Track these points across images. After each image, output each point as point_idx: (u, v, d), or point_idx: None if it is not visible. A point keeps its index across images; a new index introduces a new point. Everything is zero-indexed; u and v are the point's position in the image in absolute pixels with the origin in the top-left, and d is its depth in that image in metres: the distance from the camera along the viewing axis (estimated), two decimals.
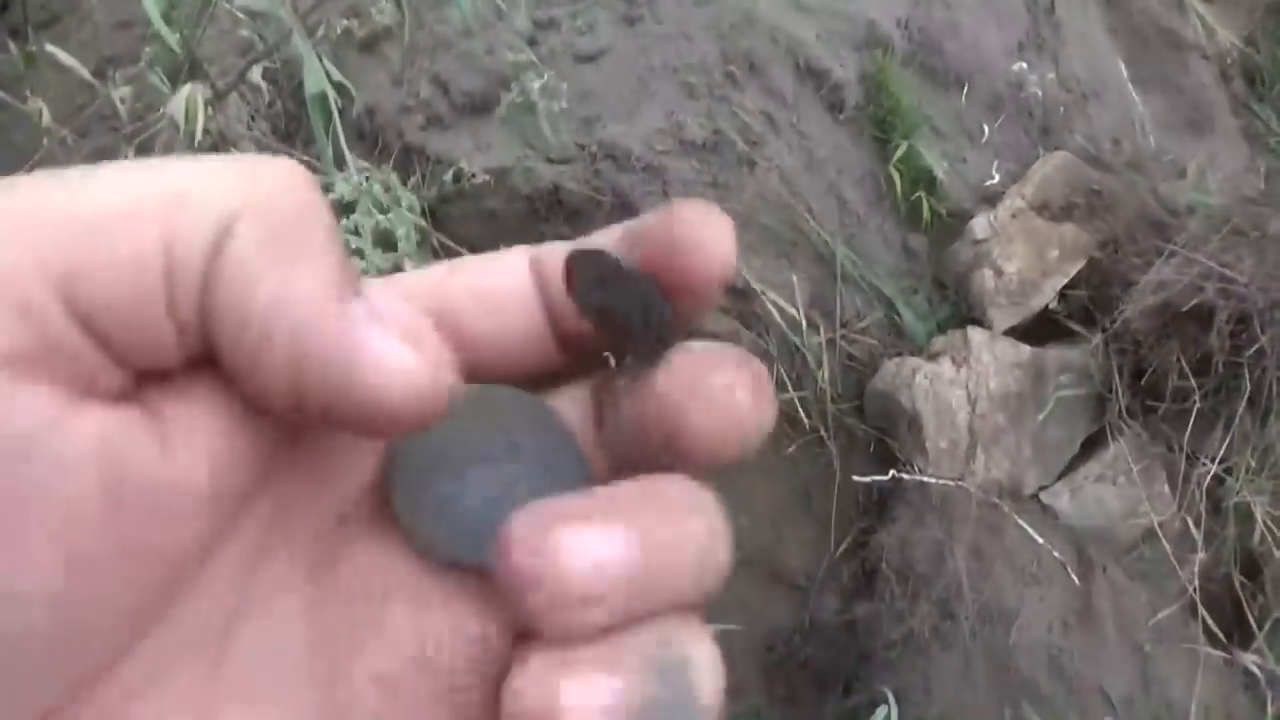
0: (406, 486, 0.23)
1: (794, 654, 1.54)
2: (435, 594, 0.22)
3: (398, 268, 1.03)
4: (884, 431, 1.55)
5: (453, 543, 0.22)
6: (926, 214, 1.62)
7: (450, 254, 1.50)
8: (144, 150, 1.52)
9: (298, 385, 0.20)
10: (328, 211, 0.21)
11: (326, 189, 1.04)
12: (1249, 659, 1.43)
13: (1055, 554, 1.45)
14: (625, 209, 1.52)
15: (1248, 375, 1.43)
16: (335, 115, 1.10)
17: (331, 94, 1.11)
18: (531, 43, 1.59)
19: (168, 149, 1.46)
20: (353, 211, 1.02)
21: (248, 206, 0.20)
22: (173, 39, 1.05)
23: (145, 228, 0.19)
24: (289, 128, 1.62)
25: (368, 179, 1.03)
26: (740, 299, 1.56)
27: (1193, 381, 1.45)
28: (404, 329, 0.20)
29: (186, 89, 1.25)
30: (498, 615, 0.22)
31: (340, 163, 1.20)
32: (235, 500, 0.21)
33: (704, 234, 0.24)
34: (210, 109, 1.35)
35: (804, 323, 1.55)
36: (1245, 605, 1.47)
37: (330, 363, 0.19)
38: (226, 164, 0.20)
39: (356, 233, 0.99)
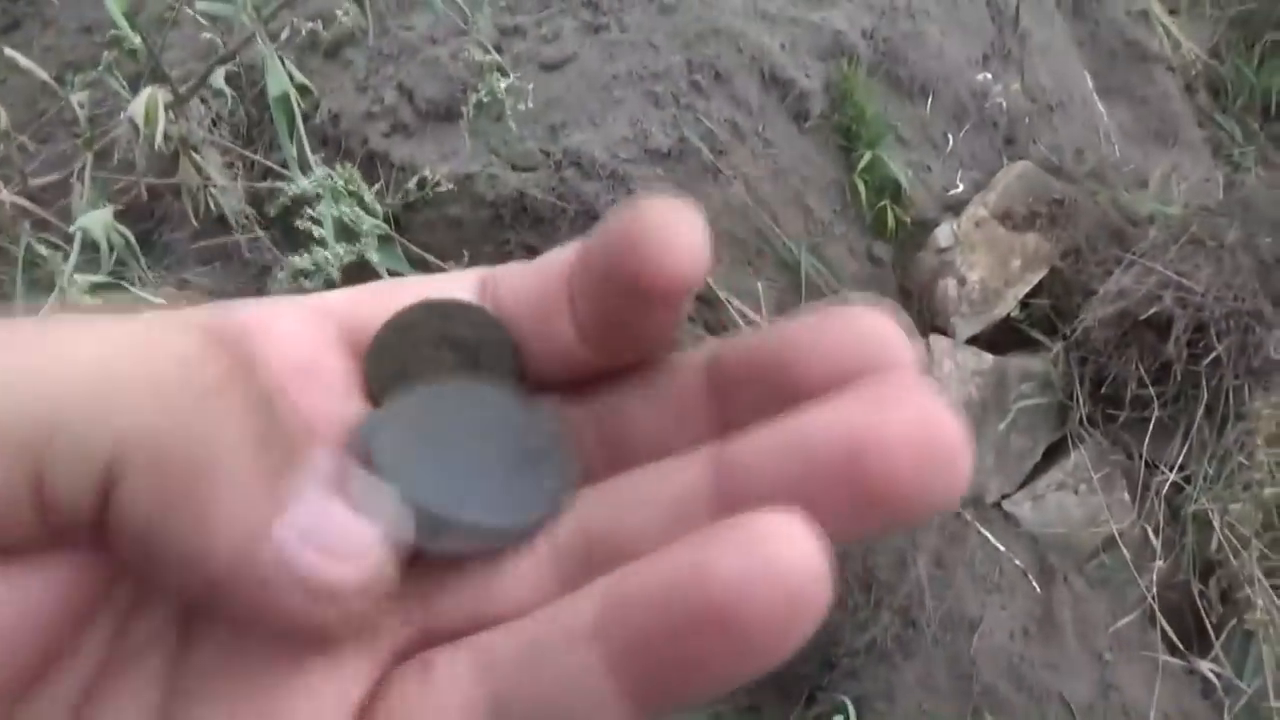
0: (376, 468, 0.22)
1: None
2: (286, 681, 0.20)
3: (361, 259, 1.02)
4: None
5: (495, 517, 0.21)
6: (891, 223, 1.63)
7: (415, 261, 1.49)
8: (103, 156, 1.51)
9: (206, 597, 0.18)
10: (243, 372, 0.19)
11: (288, 189, 1.03)
12: (1207, 666, 1.45)
13: (1017, 562, 1.46)
14: (590, 217, 1.52)
15: (1205, 384, 1.44)
16: (298, 118, 1.10)
17: (294, 96, 1.10)
18: (496, 50, 1.59)
19: (127, 153, 1.45)
20: (315, 205, 1.02)
21: (133, 438, 0.17)
22: (135, 41, 1.04)
23: (7, 465, 0.16)
24: (252, 133, 1.61)
25: (330, 175, 1.02)
26: (705, 307, 1.56)
27: (1151, 390, 1.47)
28: (341, 538, 0.18)
29: (146, 93, 1.24)
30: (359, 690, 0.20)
31: (304, 167, 1.19)
32: (73, 622, 0.19)
33: (672, 234, 0.21)
34: (171, 113, 1.34)
35: None
36: (1203, 613, 1.48)
37: (250, 591, 0.18)
38: (108, 367, 0.17)
39: (318, 223, 0.98)
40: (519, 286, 0.25)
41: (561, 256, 0.24)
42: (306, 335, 0.24)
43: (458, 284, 0.25)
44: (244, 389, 0.19)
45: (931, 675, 1.40)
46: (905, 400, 0.19)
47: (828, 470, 0.19)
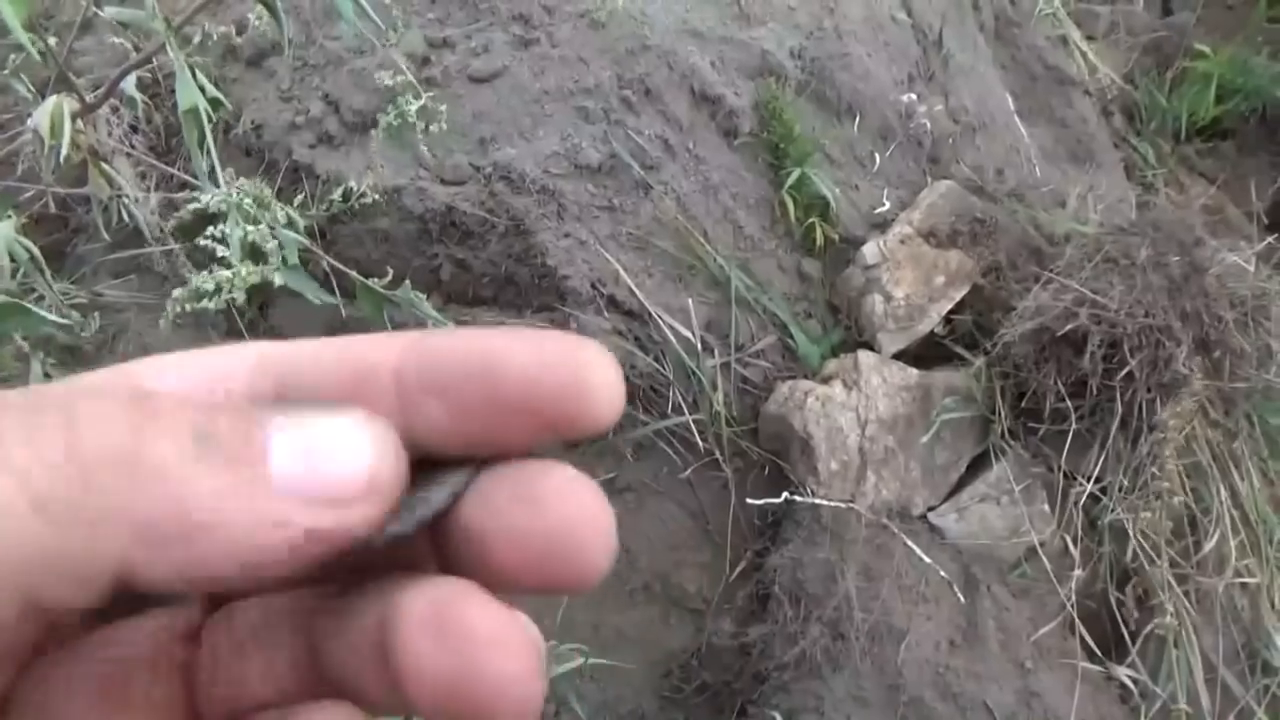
0: None
1: (690, 678, 1.53)
2: None
3: (266, 281, 0.99)
4: (777, 454, 1.57)
5: None
6: (819, 239, 1.65)
7: (339, 276, 1.46)
8: (8, 166, 1.45)
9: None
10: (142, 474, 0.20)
11: (189, 207, 1.00)
12: (1124, 672, 1.48)
13: (942, 573, 1.48)
14: (519, 231, 1.51)
15: (1119, 398, 1.49)
16: (208, 130, 1.06)
17: (204, 107, 1.07)
18: (425, 62, 1.57)
19: (33, 162, 1.39)
20: (220, 222, 0.98)
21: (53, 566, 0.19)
22: (33, 47, 1.00)
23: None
24: (170, 142, 1.57)
25: (237, 191, 0.99)
26: (636, 322, 1.56)
27: (1069, 404, 1.51)
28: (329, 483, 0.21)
29: (51, 101, 1.19)
30: None
31: (215, 179, 1.16)
32: None
33: (592, 382, 0.23)
34: (80, 122, 1.29)
35: (699, 346, 1.56)
36: (1121, 620, 1.52)
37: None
38: (36, 501, 0.19)
39: (223, 242, 0.95)
40: (315, 370, 0.25)
41: (378, 350, 0.24)
42: None
43: (228, 360, 0.25)
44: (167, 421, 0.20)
45: (860, 687, 1.41)
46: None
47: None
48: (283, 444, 0.21)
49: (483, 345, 0.23)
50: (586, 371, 0.23)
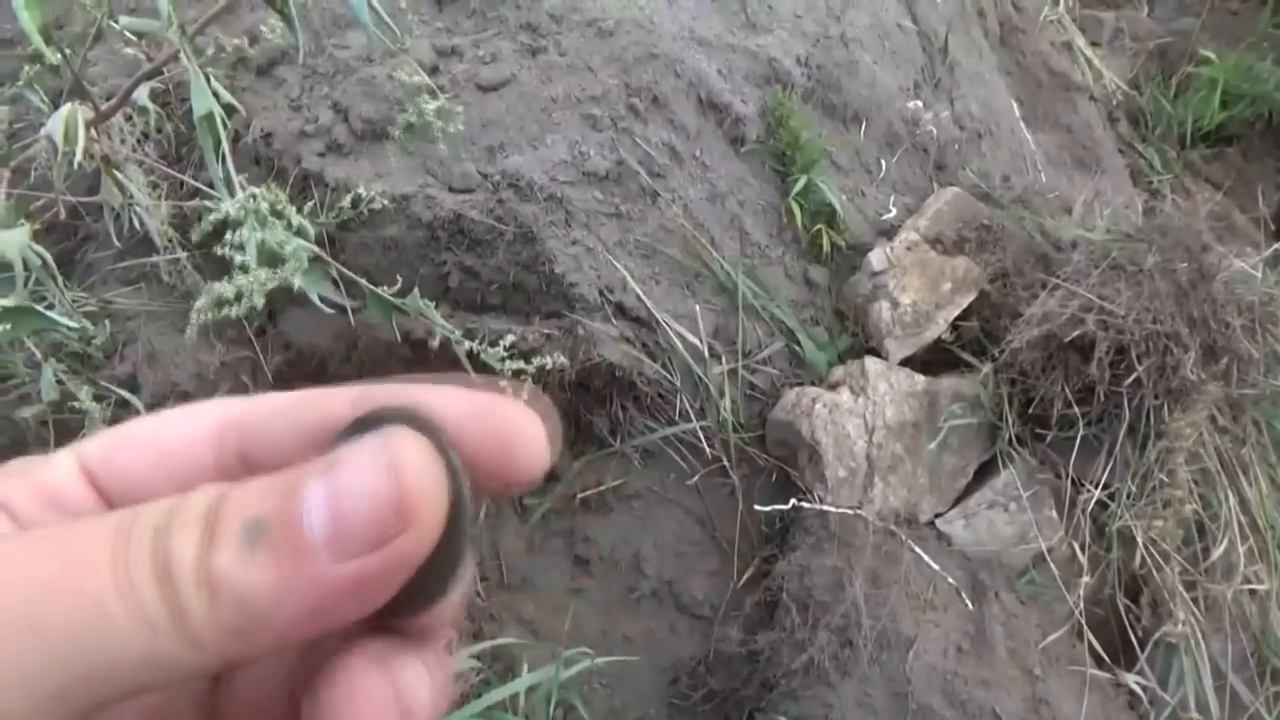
0: None
1: (698, 685, 1.53)
2: None
3: (285, 284, 1.00)
4: (785, 461, 1.57)
5: None
6: (826, 246, 1.65)
7: (348, 283, 1.47)
8: (22, 174, 1.46)
9: None
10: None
11: (210, 215, 1.00)
12: (1133, 679, 1.48)
13: (950, 580, 1.48)
14: (527, 239, 1.51)
15: (1127, 404, 1.49)
16: (223, 137, 1.07)
17: (220, 115, 1.08)
18: (434, 71, 1.58)
19: (46, 170, 1.40)
20: (237, 228, 0.99)
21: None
22: (52, 56, 1.01)
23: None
24: (180, 151, 1.57)
25: (254, 197, 1.00)
26: (643, 329, 1.56)
27: (1077, 410, 1.51)
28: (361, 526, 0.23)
29: (65, 110, 1.20)
30: None
31: (231, 187, 1.17)
32: None
33: (518, 438, 0.26)
34: (93, 131, 1.30)
35: (706, 353, 1.56)
36: (1129, 627, 1.52)
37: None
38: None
39: (241, 249, 0.95)
40: (276, 429, 0.28)
41: (329, 405, 0.27)
42: (84, 498, 0.27)
43: (194, 419, 0.28)
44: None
45: (868, 694, 1.41)
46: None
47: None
48: (315, 501, 0.23)
49: (426, 399, 0.26)
50: (510, 431, 0.26)
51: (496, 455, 0.26)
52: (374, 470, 0.23)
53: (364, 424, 0.25)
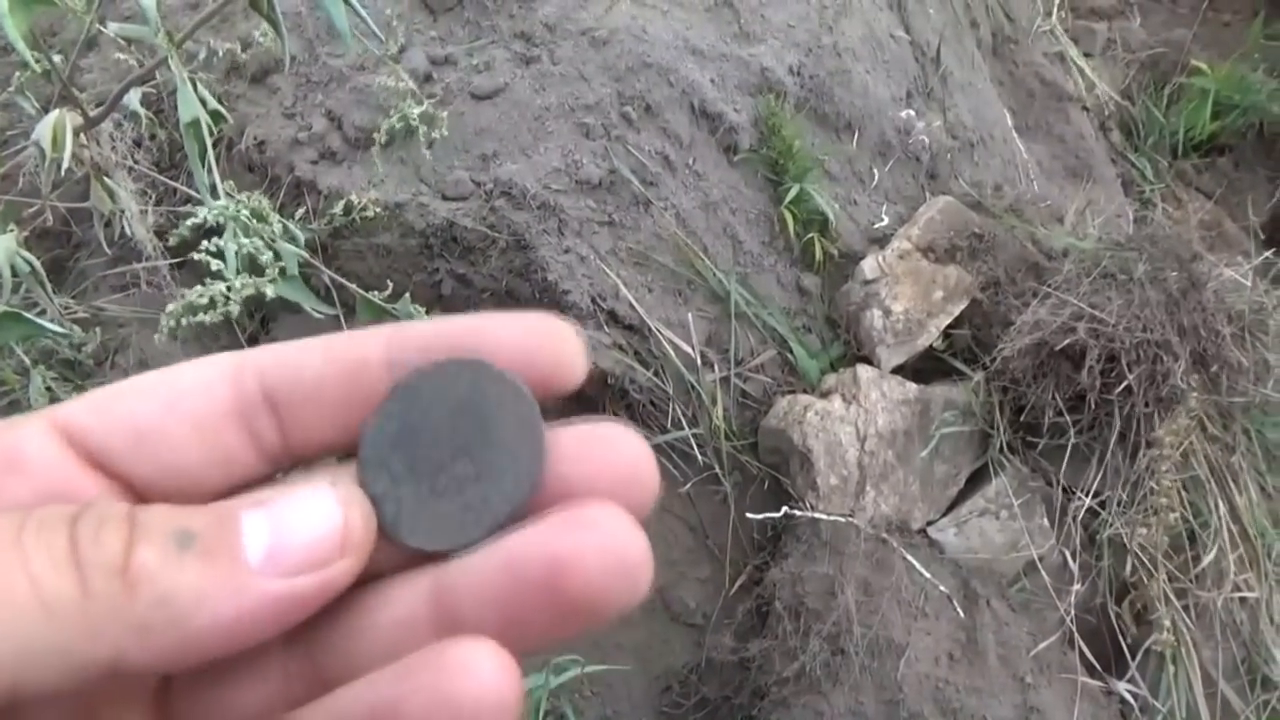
0: (376, 479, 0.26)
1: (689, 693, 1.53)
2: None
3: (260, 293, 1.00)
4: (777, 468, 1.57)
5: (421, 539, 0.25)
6: (819, 254, 1.66)
7: (340, 289, 1.47)
8: (10, 180, 1.46)
9: None
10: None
11: (187, 221, 1.00)
12: (1124, 687, 1.48)
13: (941, 588, 1.48)
14: (520, 246, 1.52)
15: (1118, 412, 1.49)
16: (209, 144, 1.07)
17: (206, 122, 1.08)
18: (427, 79, 1.58)
19: (35, 177, 1.40)
20: (218, 235, 0.99)
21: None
22: (35, 63, 1.01)
23: None
24: (173, 157, 1.58)
25: (236, 203, 0.99)
26: (636, 337, 1.57)
27: (1068, 418, 1.51)
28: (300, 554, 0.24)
29: (53, 116, 1.20)
30: None
31: (217, 194, 1.17)
32: None
33: (567, 348, 0.27)
34: (83, 137, 1.30)
35: (699, 360, 1.56)
36: (1120, 635, 1.52)
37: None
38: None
39: (219, 256, 0.95)
40: (307, 372, 0.27)
41: (362, 345, 0.27)
42: (56, 460, 0.26)
43: (202, 364, 0.27)
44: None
45: (860, 702, 1.41)
46: (599, 524, 0.23)
47: (532, 587, 0.23)
48: (255, 526, 0.23)
49: (465, 328, 0.27)
50: (561, 339, 0.27)
51: (548, 366, 0.26)
52: (322, 505, 0.24)
53: (431, 373, 0.26)
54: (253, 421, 0.26)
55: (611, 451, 0.26)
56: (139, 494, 0.26)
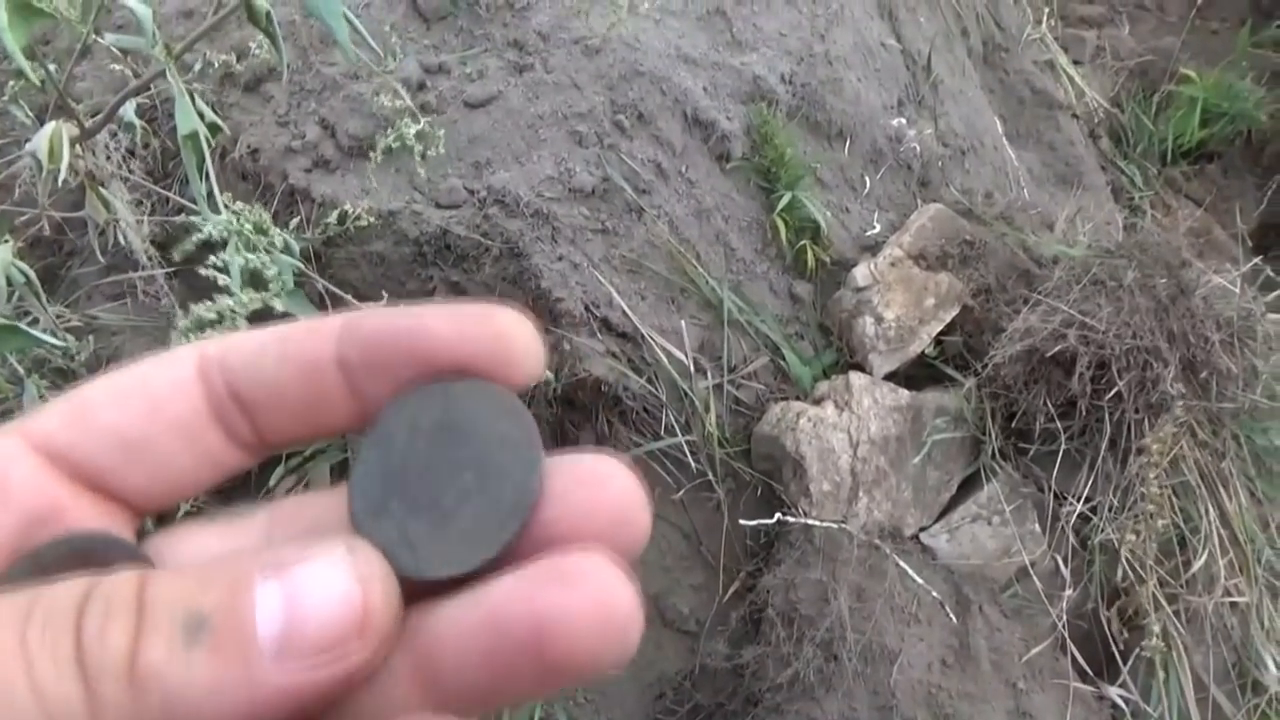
0: (368, 515, 0.25)
1: (683, 700, 1.53)
2: None
3: (267, 307, 1.00)
4: (770, 475, 1.58)
5: (415, 567, 0.24)
6: (811, 262, 1.66)
7: (334, 299, 1.47)
8: (4, 190, 1.46)
9: None
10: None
11: (193, 235, 1.01)
12: (1115, 692, 1.49)
13: (934, 594, 1.49)
14: (514, 254, 1.52)
15: (1108, 418, 1.50)
16: (208, 156, 1.08)
17: (204, 134, 1.09)
18: (421, 87, 1.59)
19: (30, 187, 1.40)
20: (221, 250, 0.99)
21: None
22: (33, 74, 1.01)
23: None
24: (167, 167, 1.58)
25: (238, 218, 1.00)
26: (629, 344, 1.57)
27: (1059, 424, 1.52)
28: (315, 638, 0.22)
29: (50, 127, 1.20)
30: None
31: (214, 205, 1.17)
32: None
33: (512, 340, 0.26)
34: (78, 147, 1.30)
35: (692, 368, 1.57)
36: (1111, 640, 1.53)
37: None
38: None
39: (224, 271, 0.96)
40: (266, 368, 0.26)
41: (316, 339, 0.26)
42: (39, 482, 0.25)
43: (169, 363, 0.27)
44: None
45: (853, 708, 1.42)
46: (587, 579, 0.22)
47: (516, 647, 0.22)
48: (269, 601, 0.21)
49: (410, 323, 0.25)
50: (504, 332, 0.25)
51: (492, 359, 0.25)
52: (339, 581, 0.22)
53: (416, 395, 0.26)
54: (227, 419, 0.26)
55: (603, 491, 0.25)
56: (129, 504, 0.26)
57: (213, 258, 1.04)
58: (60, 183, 1.24)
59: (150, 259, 1.36)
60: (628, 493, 0.25)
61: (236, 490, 1.61)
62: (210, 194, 1.13)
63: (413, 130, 1.25)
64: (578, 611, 0.22)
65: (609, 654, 0.22)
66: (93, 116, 1.34)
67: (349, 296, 1.47)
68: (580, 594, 0.22)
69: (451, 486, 0.25)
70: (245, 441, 0.27)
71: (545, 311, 1.54)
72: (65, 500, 0.25)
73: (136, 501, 0.26)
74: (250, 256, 0.99)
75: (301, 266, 1.28)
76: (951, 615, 1.48)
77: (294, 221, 1.52)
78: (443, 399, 0.26)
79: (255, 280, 0.98)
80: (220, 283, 0.99)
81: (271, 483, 1.53)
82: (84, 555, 0.24)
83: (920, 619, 1.47)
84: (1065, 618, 1.50)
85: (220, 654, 0.21)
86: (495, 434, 0.25)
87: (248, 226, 1.05)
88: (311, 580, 0.22)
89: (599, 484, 0.25)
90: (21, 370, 1.34)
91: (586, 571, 0.23)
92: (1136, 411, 1.50)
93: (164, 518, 0.28)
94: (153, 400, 0.26)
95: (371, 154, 1.38)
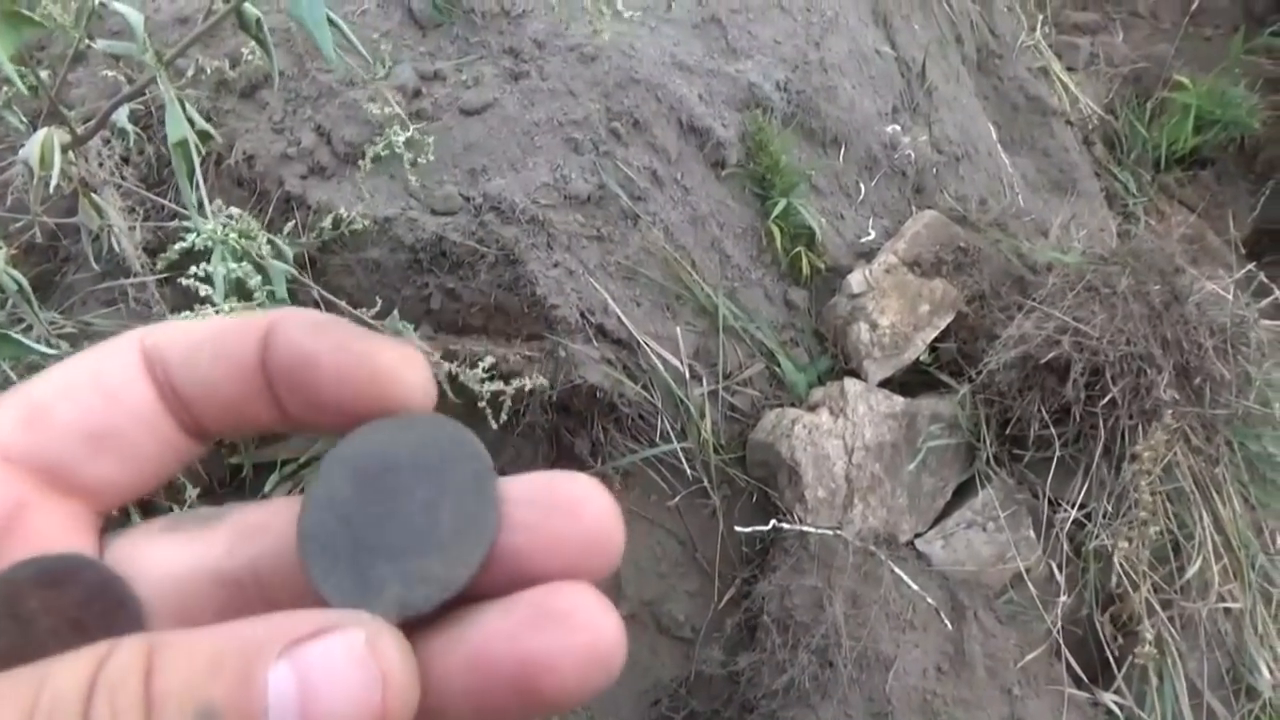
0: (322, 565, 0.24)
1: (679, 707, 1.53)
2: None
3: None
4: (765, 482, 1.58)
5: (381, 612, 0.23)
6: (806, 269, 1.67)
7: (329, 306, 1.47)
8: None
9: None
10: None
11: (177, 246, 1.01)
12: (1110, 698, 1.49)
13: (929, 600, 1.49)
14: (509, 261, 1.52)
15: (1102, 424, 1.50)
16: (197, 163, 1.07)
17: (194, 141, 1.08)
18: (416, 94, 1.59)
19: (23, 193, 1.40)
20: (206, 259, 0.99)
21: None
22: (21, 82, 1.01)
23: None
24: (161, 173, 1.57)
25: (225, 226, 1.00)
26: (624, 351, 1.57)
27: (1053, 430, 1.52)
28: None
29: (42, 134, 1.20)
30: None
31: (204, 212, 1.17)
32: None
33: (396, 376, 0.26)
34: (71, 154, 1.30)
35: (687, 374, 1.57)
36: (1106, 646, 1.53)
37: None
38: None
39: (208, 281, 0.96)
40: (194, 373, 0.26)
41: (244, 341, 0.26)
42: (3, 490, 0.25)
43: (114, 354, 0.26)
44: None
45: (848, 715, 1.41)
46: (571, 617, 0.23)
47: (503, 687, 0.22)
48: (281, 690, 0.20)
49: (305, 349, 0.25)
50: (383, 373, 0.25)
51: (379, 399, 0.25)
52: (355, 674, 0.21)
53: (359, 434, 0.25)
54: (174, 408, 0.26)
55: (576, 519, 0.25)
56: (97, 497, 0.26)
57: (194, 268, 1.04)
58: (53, 189, 1.24)
59: (143, 265, 1.35)
60: (601, 517, 0.25)
61: (231, 495, 1.61)
62: (201, 202, 1.13)
63: (401, 138, 1.25)
64: (564, 650, 0.22)
65: (595, 686, 0.23)
66: (86, 123, 1.34)
67: (343, 303, 1.46)
68: (566, 633, 0.22)
69: (405, 526, 0.24)
70: (191, 429, 0.27)
71: (540, 318, 1.54)
72: (29, 498, 0.25)
73: (105, 493, 0.26)
74: (235, 267, 0.99)
75: (295, 273, 1.28)
76: (946, 621, 1.48)
77: (289, 228, 1.52)
78: (387, 435, 0.25)
79: (240, 290, 0.97)
80: (202, 293, 0.99)
81: (267, 488, 1.52)
82: (54, 576, 0.24)
83: (915, 625, 1.47)
84: (1060, 624, 1.50)
85: None
86: (447, 468, 0.25)
87: (233, 235, 1.05)
88: (327, 667, 0.21)
89: (571, 510, 0.25)
90: (15, 377, 1.34)
91: (571, 609, 0.23)
92: (1130, 418, 1.50)
93: (111, 522, 0.28)
94: (107, 390, 0.26)
95: (361, 163, 1.38)
